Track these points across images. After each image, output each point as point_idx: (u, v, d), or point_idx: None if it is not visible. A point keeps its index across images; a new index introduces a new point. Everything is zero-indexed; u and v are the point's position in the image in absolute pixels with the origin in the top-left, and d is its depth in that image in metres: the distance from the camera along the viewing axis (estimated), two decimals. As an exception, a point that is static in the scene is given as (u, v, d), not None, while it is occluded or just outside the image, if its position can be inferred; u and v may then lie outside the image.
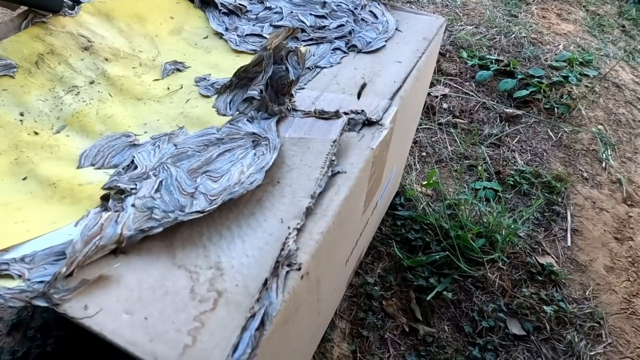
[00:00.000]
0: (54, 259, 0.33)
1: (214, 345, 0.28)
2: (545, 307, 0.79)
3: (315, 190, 0.38)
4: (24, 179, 0.42)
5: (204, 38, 0.66)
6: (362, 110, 0.48)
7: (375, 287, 0.83)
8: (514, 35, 1.48)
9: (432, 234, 0.90)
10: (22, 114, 0.50)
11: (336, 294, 0.70)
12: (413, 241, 0.90)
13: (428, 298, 0.80)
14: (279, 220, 0.37)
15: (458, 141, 1.12)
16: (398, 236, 0.91)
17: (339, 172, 0.41)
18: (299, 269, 0.32)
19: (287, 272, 0.32)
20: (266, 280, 0.31)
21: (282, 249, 0.33)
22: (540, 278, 0.84)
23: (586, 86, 1.28)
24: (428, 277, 0.84)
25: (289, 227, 0.36)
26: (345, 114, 0.48)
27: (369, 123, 0.46)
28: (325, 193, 0.39)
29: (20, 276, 0.31)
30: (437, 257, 0.85)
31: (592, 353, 0.75)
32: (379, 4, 0.66)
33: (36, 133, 0.48)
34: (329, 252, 0.40)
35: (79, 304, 0.30)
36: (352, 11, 0.65)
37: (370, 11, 0.65)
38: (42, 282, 0.31)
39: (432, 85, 1.29)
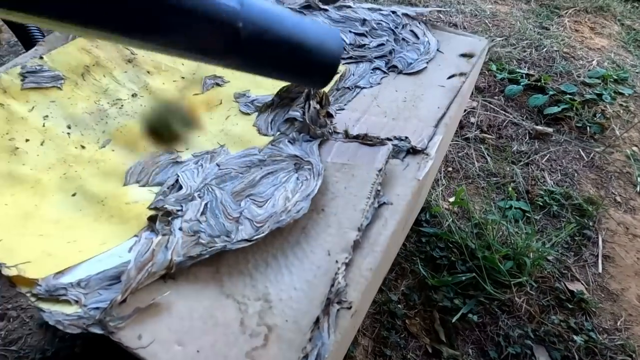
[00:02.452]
0: (107, 284, 0.33)
1: (268, 385, 0.28)
2: (574, 337, 0.77)
3: (362, 223, 0.38)
4: (74, 195, 0.43)
5: (243, 52, 0.66)
6: (406, 137, 0.47)
7: (399, 305, 0.82)
8: (545, 49, 1.44)
9: (457, 252, 0.89)
10: (69, 127, 0.50)
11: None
12: (438, 259, 0.89)
13: (453, 320, 0.79)
14: (325, 252, 0.37)
15: (487, 158, 1.10)
16: (422, 253, 0.90)
17: (385, 203, 0.40)
18: (350, 307, 0.32)
19: (338, 310, 0.32)
20: (318, 319, 0.31)
21: (332, 285, 0.33)
22: (569, 305, 0.82)
23: (620, 105, 1.24)
24: (453, 298, 0.83)
25: (337, 261, 0.35)
26: (389, 139, 0.47)
27: (413, 151, 0.46)
28: (372, 225, 0.38)
29: (77, 302, 0.31)
30: (463, 277, 0.83)
31: (622, 387, 0.72)
32: (419, 23, 0.66)
33: (83, 147, 0.49)
34: (372, 286, 0.40)
35: (133, 333, 0.31)
36: (392, 30, 0.64)
37: (411, 30, 0.64)
38: (97, 308, 0.31)
39: (459, 98, 1.27)
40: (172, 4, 0.23)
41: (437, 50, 0.62)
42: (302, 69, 0.32)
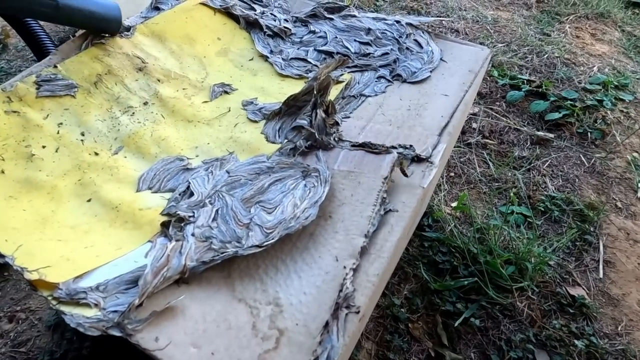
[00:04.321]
0: (124, 288, 0.34)
1: (280, 386, 0.29)
2: (575, 341, 0.78)
3: (369, 229, 0.39)
4: (89, 200, 0.44)
5: (250, 60, 0.68)
6: (411, 146, 0.48)
7: (402, 309, 0.83)
8: (546, 55, 1.46)
9: (459, 257, 0.90)
10: (82, 134, 0.52)
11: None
12: (440, 264, 0.90)
13: (455, 324, 0.80)
14: (333, 257, 0.38)
15: (489, 163, 1.11)
16: (425, 258, 0.91)
17: (390, 210, 0.42)
18: (358, 311, 0.33)
19: (347, 314, 0.33)
20: (327, 323, 0.32)
21: (341, 290, 0.34)
22: (570, 310, 0.83)
23: (621, 111, 1.25)
24: (455, 302, 0.84)
25: (344, 267, 0.36)
26: (394, 148, 0.48)
27: (418, 159, 0.47)
28: (379, 232, 0.40)
29: (96, 305, 0.32)
30: (466, 282, 0.84)
31: (623, 392, 0.73)
32: (423, 32, 0.67)
33: (96, 154, 0.50)
34: (379, 291, 0.41)
35: (150, 335, 0.32)
36: (396, 39, 0.66)
37: (415, 40, 0.66)
38: (115, 311, 0.32)
39: (461, 103, 1.28)
40: None
41: (441, 59, 0.63)
42: (97, 23, 0.58)
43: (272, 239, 0.39)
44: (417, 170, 0.46)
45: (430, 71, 0.61)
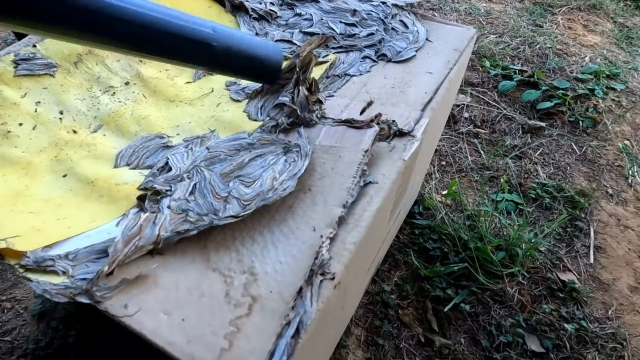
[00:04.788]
0: (95, 257, 0.34)
1: (251, 350, 0.29)
2: (565, 325, 0.78)
3: (347, 200, 0.39)
4: (64, 176, 0.43)
5: (235, 42, 0.67)
6: (394, 121, 0.48)
7: (392, 296, 0.83)
8: (538, 46, 1.46)
9: (450, 244, 0.90)
10: (61, 112, 0.51)
11: (356, 302, 0.70)
12: (431, 251, 0.90)
13: (445, 309, 0.80)
14: (311, 228, 0.37)
15: (480, 152, 1.10)
16: (416, 245, 0.91)
17: (370, 182, 0.41)
18: (333, 278, 0.33)
19: (321, 281, 0.32)
20: (301, 289, 0.31)
21: (316, 258, 0.34)
22: (561, 295, 0.83)
23: (613, 100, 1.25)
24: (445, 288, 0.83)
25: (321, 236, 0.36)
26: (377, 123, 0.48)
27: (400, 134, 0.46)
28: (357, 203, 0.39)
29: (64, 273, 0.32)
30: (456, 268, 0.84)
31: (613, 375, 0.73)
32: (409, 13, 0.67)
33: (75, 131, 0.49)
34: (358, 262, 0.40)
35: (119, 303, 0.31)
36: (382, 20, 0.65)
37: (401, 20, 0.65)
38: (84, 279, 0.32)
39: (453, 93, 1.28)
40: (172, 33, 0.38)
41: (426, 39, 0.62)
42: (258, 72, 0.47)
43: (249, 210, 0.38)
44: (399, 144, 0.45)
45: (416, 50, 0.60)
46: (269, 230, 0.38)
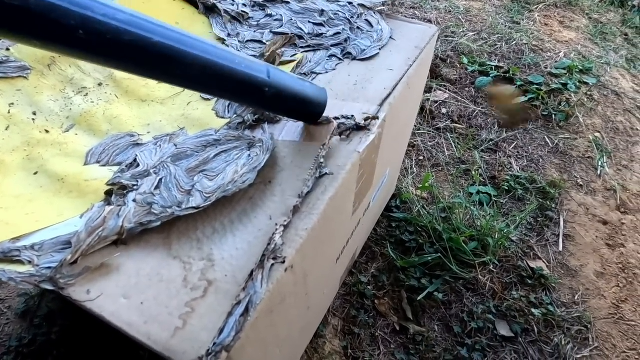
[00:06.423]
0: (60, 248, 0.36)
1: (202, 328, 0.31)
2: (534, 310, 0.81)
3: (303, 190, 0.41)
4: (35, 173, 0.45)
5: (207, 43, 0.69)
6: (352, 116, 0.50)
7: (369, 287, 0.85)
8: (515, 42, 1.49)
9: (425, 236, 0.93)
10: (34, 113, 0.53)
11: (328, 292, 0.72)
12: (407, 243, 0.93)
13: (419, 298, 0.83)
14: (268, 217, 0.40)
15: (457, 147, 1.14)
16: (392, 237, 0.94)
17: (326, 173, 0.44)
18: (283, 262, 0.35)
19: (272, 264, 0.35)
20: (252, 272, 0.34)
21: (269, 244, 0.36)
22: (530, 282, 0.86)
23: (585, 94, 1.29)
24: (420, 278, 0.86)
25: (276, 224, 0.38)
26: (336, 119, 0.50)
27: (357, 128, 0.49)
28: (313, 193, 0.41)
29: (30, 262, 0.34)
30: (430, 258, 0.87)
31: (578, 356, 0.76)
32: (374, 13, 0.69)
33: (47, 131, 0.51)
34: (315, 249, 0.43)
35: (82, 289, 0.33)
36: (348, 20, 0.68)
37: (366, 20, 0.68)
38: (49, 268, 0.34)
39: (431, 90, 1.31)
40: (230, 78, 0.37)
41: (390, 37, 0.65)
42: (303, 113, 0.47)
43: (210, 201, 0.40)
44: (356, 138, 0.48)
45: (380, 49, 0.63)
46: (229, 220, 0.40)
